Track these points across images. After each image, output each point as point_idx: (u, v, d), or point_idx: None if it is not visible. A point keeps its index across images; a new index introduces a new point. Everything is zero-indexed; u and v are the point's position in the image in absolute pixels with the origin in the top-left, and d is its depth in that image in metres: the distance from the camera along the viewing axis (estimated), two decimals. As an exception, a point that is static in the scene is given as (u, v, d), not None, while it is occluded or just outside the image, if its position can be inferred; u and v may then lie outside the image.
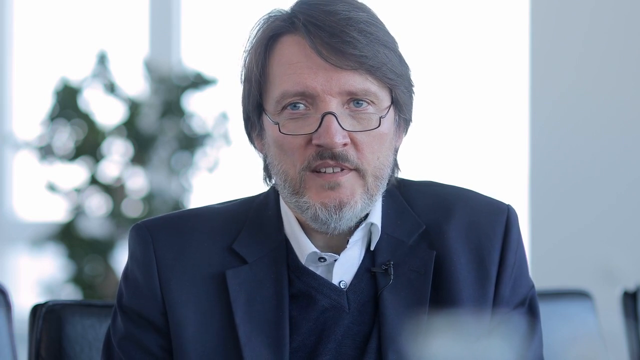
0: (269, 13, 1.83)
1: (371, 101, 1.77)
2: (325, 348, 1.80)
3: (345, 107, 1.76)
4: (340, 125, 1.74)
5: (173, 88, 4.85)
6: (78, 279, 4.77)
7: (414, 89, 1.83)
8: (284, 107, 1.77)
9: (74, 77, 4.83)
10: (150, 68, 4.91)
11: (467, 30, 5.11)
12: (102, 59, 4.84)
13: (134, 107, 4.83)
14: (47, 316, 2.02)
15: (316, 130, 1.75)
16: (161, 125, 4.83)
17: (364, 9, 1.80)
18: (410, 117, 1.84)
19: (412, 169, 1.89)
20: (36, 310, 2.04)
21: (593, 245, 4.85)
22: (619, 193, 4.85)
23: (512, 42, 5.07)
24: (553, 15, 4.96)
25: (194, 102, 4.89)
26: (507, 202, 1.89)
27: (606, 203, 4.86)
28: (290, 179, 1.78)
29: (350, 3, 1.79)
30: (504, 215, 1.86)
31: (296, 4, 1.81)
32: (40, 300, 2.07)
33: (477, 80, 5.09)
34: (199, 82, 4.87)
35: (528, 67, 4.98)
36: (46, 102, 4.84)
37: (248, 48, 1.82)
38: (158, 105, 4.85)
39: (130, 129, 4.81)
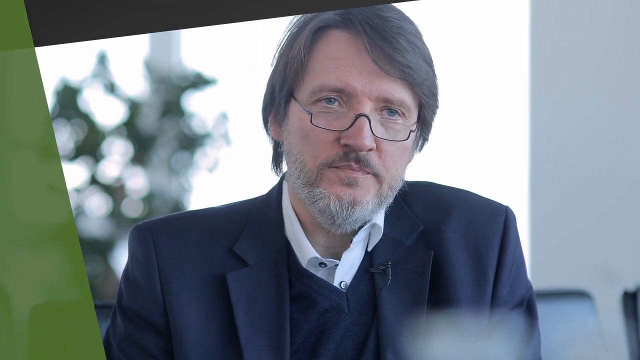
0: None
1: (403, 113, 1.78)
2: (324, 349, 1.80)
3: (377, 112, 1.77)
4: (371, 130, 1.75)
5: (173, 88, 4.85)
6: (78, 279, 4.77)
7: (437, 110, 1.84)
8: (319, 100, 1.77)
9: (74, 77, 4.83)
10: (150, 68, 4.92)
11: (467, 30, 5.11)
12: (102, 59, 4.85)
13: (134, 107, 4.83)
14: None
15: (347, 129, 1.75)
16: (161, 125, 4.83)
17: (412, 22, 1.81)
18: (428, 137, 1.85)
19: (411, 169, 1.89)
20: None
21: (593, 245, 4.84)
22: (619, 193, 4.85)
23: (512, 42, 5.07)
24: (553, 15, 4.96)
25: (194, 102, 4.89)
26: (505, 204, 1.89)
27: (606, 203, 4.86)
28: (307, 170, 1.77)
29: (400, 13, 1.80)
30: (502, 216, 1.87)
31: None
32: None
33: (477, 80, 5.09)
34: (199, 82, 4.88)
35: (528, 67, 4.98)
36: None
37: (290, 33, 1.82)
38: (158, 105, 4.85)
39: (130, 129, 4.81)
